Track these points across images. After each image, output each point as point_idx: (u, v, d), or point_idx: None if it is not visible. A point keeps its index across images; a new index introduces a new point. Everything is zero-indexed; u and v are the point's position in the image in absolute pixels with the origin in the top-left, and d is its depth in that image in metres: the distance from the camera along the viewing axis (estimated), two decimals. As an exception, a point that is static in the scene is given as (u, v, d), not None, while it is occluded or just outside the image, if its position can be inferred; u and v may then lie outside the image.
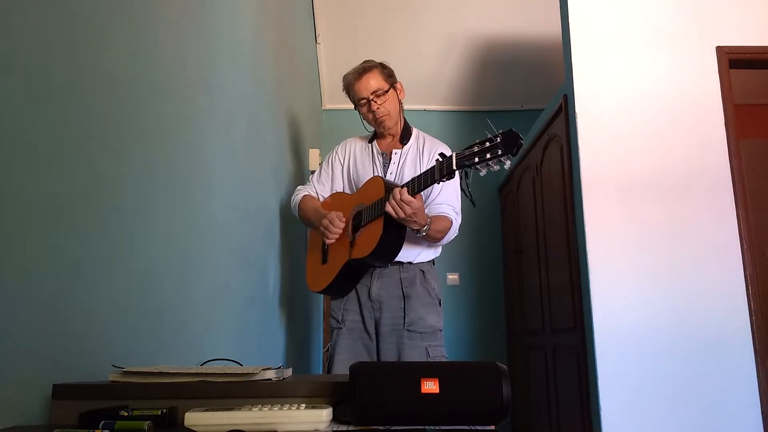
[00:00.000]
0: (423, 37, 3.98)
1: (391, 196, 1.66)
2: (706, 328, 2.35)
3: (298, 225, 2.31)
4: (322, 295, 3.95)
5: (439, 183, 1.61)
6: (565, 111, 2.75)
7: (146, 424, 0.61)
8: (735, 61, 2.64)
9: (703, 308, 2.37)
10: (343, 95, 2.06)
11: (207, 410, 0.65)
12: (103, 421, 0.61)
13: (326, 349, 1.96)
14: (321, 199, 2.10)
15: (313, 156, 3.28)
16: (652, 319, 2.37)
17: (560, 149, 2.83)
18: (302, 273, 2.85)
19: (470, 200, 1.59)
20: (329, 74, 4.21)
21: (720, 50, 2.63)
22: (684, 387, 2.30)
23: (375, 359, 1.88)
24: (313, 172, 3.23)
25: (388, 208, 1.66)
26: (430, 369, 0.70)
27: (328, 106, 4.49)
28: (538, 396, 3.24)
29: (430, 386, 0.67)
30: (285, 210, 2.42)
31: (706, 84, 2.60)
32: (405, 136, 2.02)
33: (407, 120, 2.07)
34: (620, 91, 2.61)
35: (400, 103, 2.03)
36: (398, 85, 2.02)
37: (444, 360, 1.88)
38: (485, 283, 4.28)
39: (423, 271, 1.91)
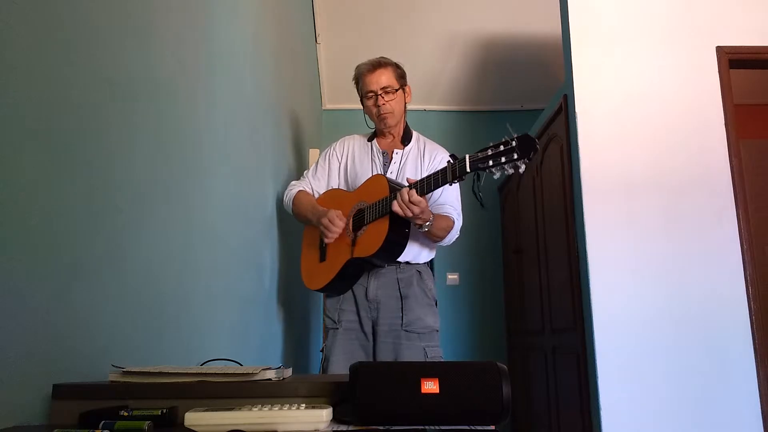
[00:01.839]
0: (423, 37, 3.98)
1: (399, 197, 1.66)
2: (706, 328, 2.35)
3: (298, 225, 2.31)
4: (322, 295, 3.95)
5: (451, 185, 1.61)
6: (565, 111, 2.75)
7: (146, 424, 0.61)
8: (735, 61, 2.64)
9: (703, 308, 2.37)
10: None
11: (207, 410, 0.65)
12: (103, 421, 0.61)
13: (321, 349, 1.95)
14: (316, 195, 2.09)
15: (313, 156, 3.28)
16: (652, 319, 2.37)
17: (560, 149, 2.83)
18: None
19: (480, 203, 1.59)
20: (329, 74, 4.20)
21: (720, 50, 2.63)
22: (684, 387, 2.30)
23: (371, 359, 1.87)
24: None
25: (396, 208, 1.66)
26: (430, 369, 0.69)
27: (328, 106, 4.48)
28: (538, 396, 3.24)
29: (430, 386, 0.67)
30: (284, 210, 2.41)
31: (706, 84, 2.60)
32: (407, 138, 2.04)
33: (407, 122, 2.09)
34: (620, 91, 2.61)
35: (405, 106, 2.06)
36: (407, 88, 2.05)
37: (441, 360, 1.88)
38: (485, 283, 4.28)
39: (419, 272, 1.91)
